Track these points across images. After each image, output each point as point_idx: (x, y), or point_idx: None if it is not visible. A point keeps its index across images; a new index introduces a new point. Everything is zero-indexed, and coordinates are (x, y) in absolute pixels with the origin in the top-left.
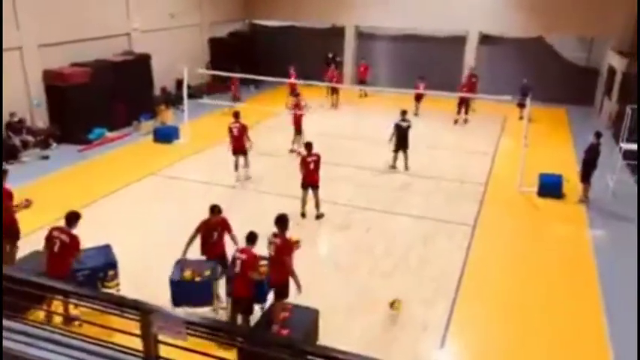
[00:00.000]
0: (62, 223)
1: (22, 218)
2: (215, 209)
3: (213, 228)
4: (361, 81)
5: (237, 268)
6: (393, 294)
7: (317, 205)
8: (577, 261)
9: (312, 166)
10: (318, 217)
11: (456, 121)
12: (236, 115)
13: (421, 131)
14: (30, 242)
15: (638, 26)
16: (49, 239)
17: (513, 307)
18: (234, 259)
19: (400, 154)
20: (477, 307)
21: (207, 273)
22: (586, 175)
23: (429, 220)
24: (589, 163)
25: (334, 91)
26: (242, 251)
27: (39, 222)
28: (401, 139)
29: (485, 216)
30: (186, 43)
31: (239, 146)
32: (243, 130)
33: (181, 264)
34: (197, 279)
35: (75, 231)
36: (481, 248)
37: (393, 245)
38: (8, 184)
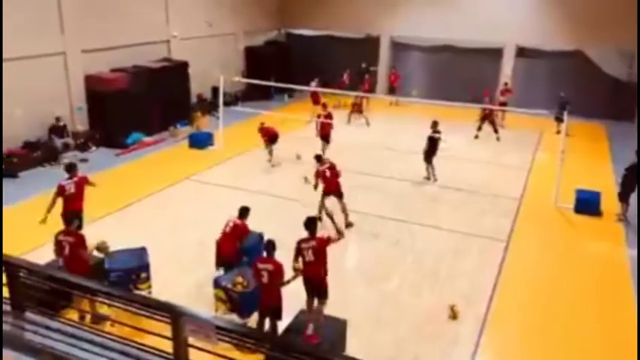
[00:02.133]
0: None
1: (58, 220)
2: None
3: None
4: (391, 89)
5: (265, 279)
6: (423, 306)
7: (345, 213)
8: (613, 282)
9: (327, 174)
10: (348, 225)
11: (476, 137)
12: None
13: (456, 144)
14: None
15: (638, 28)
16: (58, 245)
17: (546, 325)
18: (258, 270)
19: (429, 165)
20: (509, 324)
21: (240, 280)
22: (625, 193)
23: (460, 233)
24: (628, 181)
25: (360, 109)
26: (265, 261)
27: None
28: (429, 150)
29: (519, 231)
30: (222, 51)
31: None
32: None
33: (224, 279)
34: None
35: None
36: (514, 264)
37: (423, 257)
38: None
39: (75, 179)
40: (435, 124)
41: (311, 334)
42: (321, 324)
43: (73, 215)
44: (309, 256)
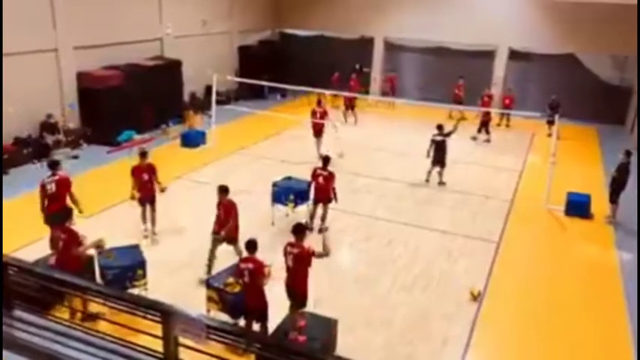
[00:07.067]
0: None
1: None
2: (223, 189)
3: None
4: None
5: (247, 278)
6: (414, 307)
7: (323, 219)
8: (603, 283)
9: (321, 180)
10: (320, 230)
11: (474, 138)
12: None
13: (449, 146)
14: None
15: (638, 31)
16: (53, 240)
17: (536, 326)
18: (240, 269)
19: (435, 169)
20: (499, 325)
21: (232, 280)
22: (614, 194)
23: (452, 234)
24: (618, 183)
25: (350, 107)
26: (247, 260)
27: None
28: (437, 153)
29: (511, 233)
30: (216, 50)
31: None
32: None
33: (215, 279)
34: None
35: (75, 227)
36: (505, 265)
37: (415, 258)
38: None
39: (56, 178)
40: (439, 127)
41: (293, 338)
42: (304, 330)
43: (54, 219)
44: (290, 262)
